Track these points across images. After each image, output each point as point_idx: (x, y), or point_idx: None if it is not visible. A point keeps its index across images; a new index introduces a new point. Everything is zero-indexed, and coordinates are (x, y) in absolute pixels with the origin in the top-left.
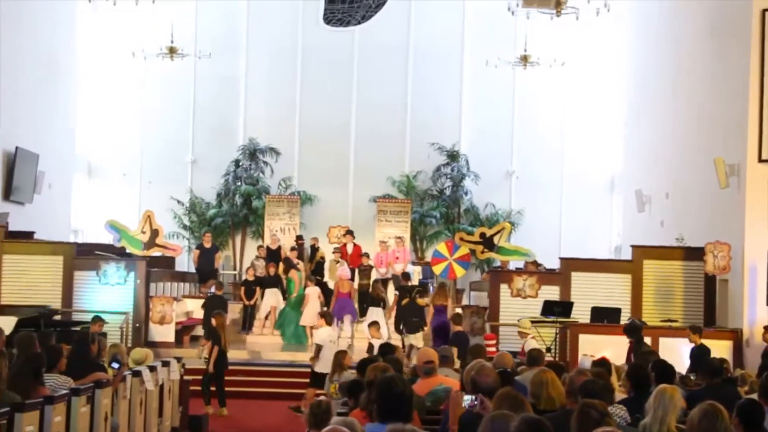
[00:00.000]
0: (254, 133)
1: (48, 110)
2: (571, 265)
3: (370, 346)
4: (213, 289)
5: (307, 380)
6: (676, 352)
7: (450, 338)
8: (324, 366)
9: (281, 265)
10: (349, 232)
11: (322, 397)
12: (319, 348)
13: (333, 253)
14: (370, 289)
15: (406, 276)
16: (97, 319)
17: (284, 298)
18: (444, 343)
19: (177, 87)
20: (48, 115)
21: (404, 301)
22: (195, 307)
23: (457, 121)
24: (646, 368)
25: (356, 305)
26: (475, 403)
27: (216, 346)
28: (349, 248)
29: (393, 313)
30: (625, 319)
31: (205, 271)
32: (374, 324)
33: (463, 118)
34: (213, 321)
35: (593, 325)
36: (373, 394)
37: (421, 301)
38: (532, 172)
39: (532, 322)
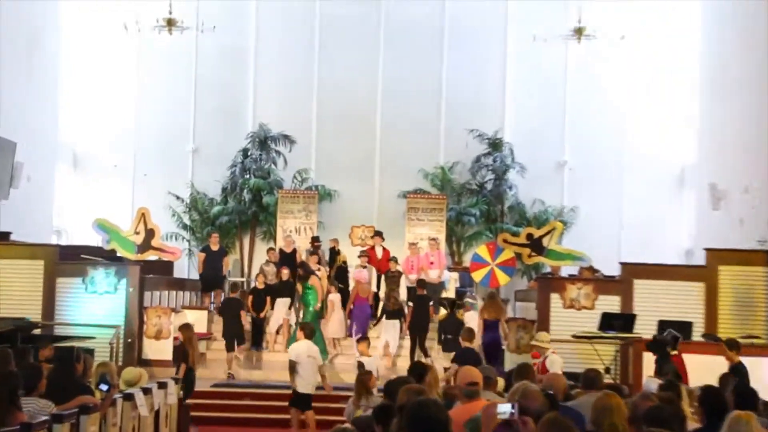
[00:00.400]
0: (265, 118)
1: (28, 92)
2: (634, 271)
3: (360, 365)
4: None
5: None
6: (758, 374)
7: (456, 356)
8: (306, 385)
9: (300, 271)
10: (378, 234)
11: (346, 426)
12: (293, 365)
13: (359, 257)
14: (387, 299)
15: (422, 284)
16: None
17: (298, 309)
18: (496, 363)
19: (176, 65)
20: (27, 97)
21: (442, 315)
22: (197, 320)
23: (500, 105)
24: (723, 392)
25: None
26: (513, 412)
27: (183, 364)
28: (378, 252)
29: (406, 327)
30: (697, 334)
31: (211, 277)
32: (364, 339)
33: (507, 100)
34: (180, 335)
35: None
36: (403, 420)
37: (461, 316)
38: (588, 162)
39: (589, 337)
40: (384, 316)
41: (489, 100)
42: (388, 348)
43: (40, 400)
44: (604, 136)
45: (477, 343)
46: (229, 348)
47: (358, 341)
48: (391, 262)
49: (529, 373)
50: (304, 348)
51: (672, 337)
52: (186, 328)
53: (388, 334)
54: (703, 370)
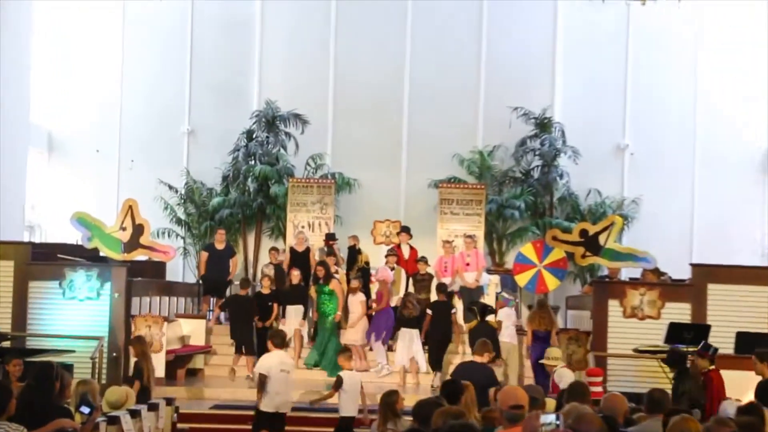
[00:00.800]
0: (273, 95)
1: None
2: (708, 274)
3: (339, 380)
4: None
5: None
6: None
7: (456, 370)
8: (271, 403)
9: (319, 271)
10: (404, 230)
11: None
12: (263, 379)
13: (386, 257)
14: (403, 305)
15: (441, 288)
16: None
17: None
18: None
19: (168, 33)
20: None
21: (471, 324)
22: (193, 330)
23: (549, 79)
24: None
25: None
26: (558, 423)
27: (137, 382)
28: (405, 251)
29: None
30: None
31: (215, 281)
32: (346, 351)
33: (557, 73)
34: (132, 350)
35: (739, 357)
36: None
37: (493, 322)
38: (653, 147)
39: (654, 352)
40: (400, 325)
41: (536, 74)
42: (412, 362)
43: (10, 424)
44: (672, 116)
45: (515, 362)
46: (238, 350)
47: (337, 353)
48: (421, 264)
49: (584, 393)
50: (275, 360)
51: (704, 348)
52: (138, 341)
53: (405, 345)
54: None
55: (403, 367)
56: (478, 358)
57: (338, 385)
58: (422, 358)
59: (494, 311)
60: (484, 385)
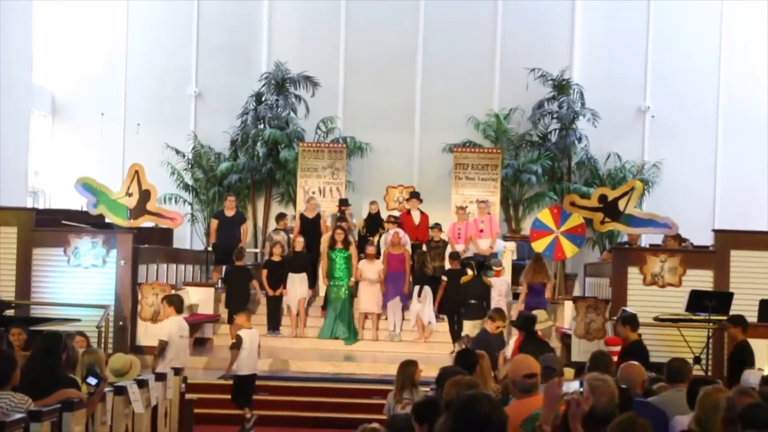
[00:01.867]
0: (282, 56)
1: None
2: (730, 240)
3: (239, 339)
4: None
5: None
6: None
7: (475, 341)
8: (165, 368)
9: (339, 235)
10: (414, 195)
11: (375, 425)
12: (163, 345)
13: (387, 223)
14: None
15: (455, 256)
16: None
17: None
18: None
19: None
20: None
21: (465, 279)
22: (202, 298)
23: (568, 39)
24: None
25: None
26: (581, 390)
27: None
28: (415, 217)
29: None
30: None
31: (226, 248)
32: (243, 311)
33: (575, 33)
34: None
35: (762, 325)
36: (450, 418)
37: (487, 279)
38: (675, 108)
39: (675, 320)
40: (419, 283)
41: (554, 34)
42: (419, 322)
43: (14, 394)
44: (695, 77)
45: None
46: (231, 320)
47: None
48: (435, 230)
49: (606, 363)
50: (176, 326)
51: (627, 316)
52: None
53: (416, 305)
54: None
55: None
56: (491, 327)
57: (239, 344)
58: (431, 316)
59: (491, 269)
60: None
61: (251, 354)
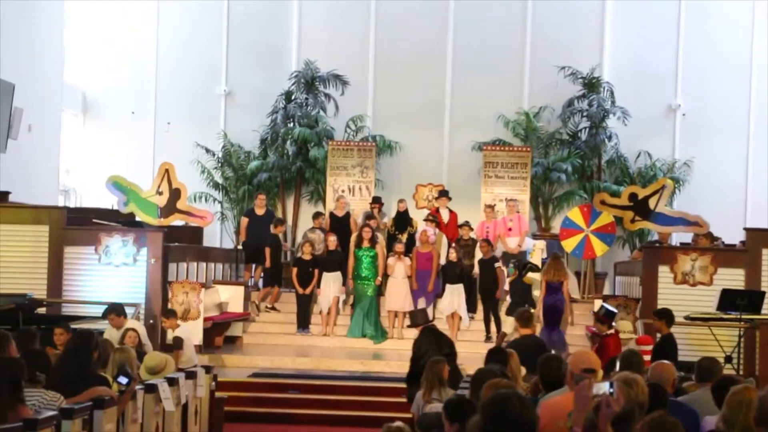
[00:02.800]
0: (312, 55)
1: (27, 24)
2: (763, 238)
3: (179, 340)
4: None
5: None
6: None
7: (512, 344)
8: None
9: (366, 233)
10: (444, 194)
11: (399, 424)
12: (179, 342)
13: (425, 222)
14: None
15: (486, 243)
16: (114, 311)
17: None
18: (556, 328)
19: None
20: (27, 30)
21: (511, 277)
22: (232, 297)
23: (598, 37)
24: None
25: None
26: (612, 391)
27: None
28: (444, 215)
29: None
30: None
31: (256, 247)
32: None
33: (606, 31)
34: None
35: None
36: (481, 418)
37: (528, 279)
38: (707, 106)
39: (706, 319)
40: (445, 282)
41: (584, 31)
42: (455, 316)
43: (47, 392)
44: (727, 74)
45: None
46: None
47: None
48: (465, 228)
49: (638, 362)
50: (185, 331)
51: (606, 313)
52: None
53: (449, 299)
54: None
55: (450, 316)
56: (527, 331)
57: (181, 344)
58: (465, 313)
59: (536, 269)
60: (534, 354)
61: (192, 348)
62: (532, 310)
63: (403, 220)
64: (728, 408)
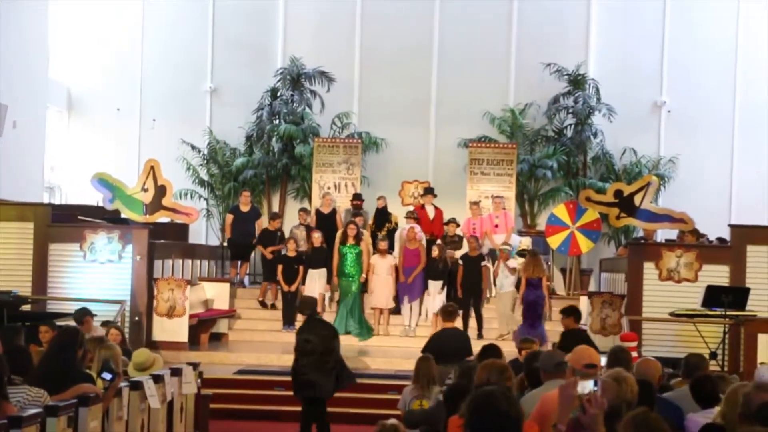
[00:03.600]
0: (298, 52)
1: (10, 20)
2: (747, 235)
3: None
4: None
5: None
6: None
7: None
8: None
9: (351, 230)
10: (429, 191)
11: (393, 421)
12: None
13: (406, 218)
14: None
15: (474, 241)
16: (84, 313)
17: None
18: (537, 323)
19: None
20: (10, 26)
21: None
22: (218, 294)
23: (584, 34)
24: None
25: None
26: (596, 389)
27: None
28: (430, 212)
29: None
30: None
31: (241, 244)
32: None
33: (591, 28)
34: None
35: None
36: (466, 413)
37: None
38: (691, 103)
39: (691, 315)
40: (428, 278)
41: (570, 28)
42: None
43: (31, 388)
44: (712, 71)
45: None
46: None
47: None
48: (451, 225)
49: (625, 358)
50: None
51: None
52: None
53: (432, 296)
54: None
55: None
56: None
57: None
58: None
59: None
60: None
61: None
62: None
63: (382, 216)
64: (726, 404)
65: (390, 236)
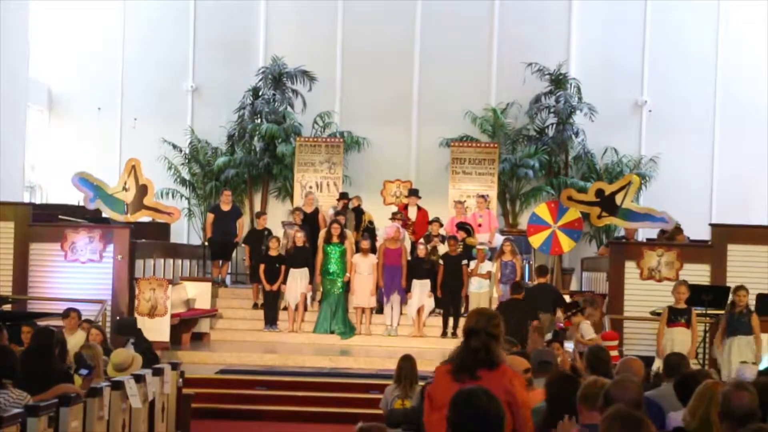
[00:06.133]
0: (279, 51)
1: None
2: (728, 234)
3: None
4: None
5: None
6: None
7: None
8: None
9: (335, 229)
10: (413, 192)
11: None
12: None
13: (393, 219)
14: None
15: (454, 239)
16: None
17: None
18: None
19: None
20: None
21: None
22: (199, 293)
23: (565, 33)
24: None
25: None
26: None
27: None
28: (412, 213)
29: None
30: None
31: (222, 243)
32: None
33: (572, 28)
34: None
35: (759, 320)
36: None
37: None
38: (672, 103)
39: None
40: (412, 277)
41: (551, 28)
42: (419, 315)
43: (13, 389)
44: (692, 70)
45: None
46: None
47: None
48: (434, 225)
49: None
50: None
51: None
52: None
53: (416, 296)
54: None
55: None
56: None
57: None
58: (429, 307)
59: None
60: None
61: None
62: None
63: (357, 215)
64: (696, 400)
65: (371, 236)
